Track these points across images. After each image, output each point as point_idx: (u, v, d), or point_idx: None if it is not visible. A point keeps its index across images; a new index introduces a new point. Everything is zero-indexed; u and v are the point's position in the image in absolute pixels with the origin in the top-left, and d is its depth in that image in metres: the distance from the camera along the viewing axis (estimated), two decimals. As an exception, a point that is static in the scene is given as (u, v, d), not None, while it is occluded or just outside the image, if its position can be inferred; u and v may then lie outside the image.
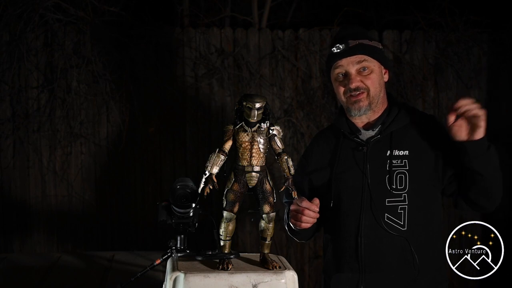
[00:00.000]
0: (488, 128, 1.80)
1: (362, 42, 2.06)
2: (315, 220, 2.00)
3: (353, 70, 2.05)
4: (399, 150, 2.02)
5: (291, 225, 2.07)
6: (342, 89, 2.08)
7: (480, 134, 1.83)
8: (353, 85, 2.04)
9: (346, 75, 2.07)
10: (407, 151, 2.01)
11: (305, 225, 2.01)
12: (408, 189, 1.98)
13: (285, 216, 2.15)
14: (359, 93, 2.04)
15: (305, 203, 1.95)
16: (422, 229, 2.01)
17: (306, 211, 1.96)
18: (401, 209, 1.99)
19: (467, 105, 1.81)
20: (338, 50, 2.06)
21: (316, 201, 1.97)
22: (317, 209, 1.97)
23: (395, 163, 2.00)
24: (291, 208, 2.01)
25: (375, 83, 2.06)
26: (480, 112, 1.81)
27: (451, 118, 1.85)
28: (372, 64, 2.07)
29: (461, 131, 1.85)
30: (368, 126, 2.11)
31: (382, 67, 2.11)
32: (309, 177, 2.16)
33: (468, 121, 1.84)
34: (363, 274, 2.01)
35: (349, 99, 2.07)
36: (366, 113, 2.07)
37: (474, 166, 1.88)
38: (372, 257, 2.00)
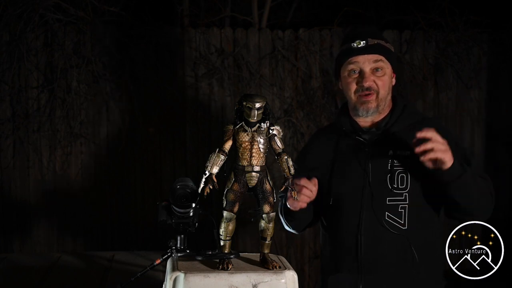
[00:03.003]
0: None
1: (380, 43, 2.07)
2: (310, 199, 1.97)
3: (368, 68, 2.04)
4: (401, 150, 2.02)
5: (288, 205, 2.03)
6: (354, 87, 2.07)
7: (446, 165, 1.83)
8: (367, 84, 2.03)
9: (360, 73, 2.06)
10: (408, 152, 2.01)
11: (302, 204, 1.96)
12: (409, 189, 1.98)
13: (280, 203, 2.13)
14: (369, 93, 2.04)
15: (303, 181, 1.92)
16: (422, 229, 2.01)
17: (304, 189, 1.92)
18: (401, 208, 1.99)
19: (424, 147, 1.80)
20: (359, 46, 2.04)
21: (314, 180, 1.95)
22: (314, 188, 1.94)
23: (396, 163, 2.01)
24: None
25: (386, 86, 2.06)
26: (437, 154, 1.80)
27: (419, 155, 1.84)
28: (386, 66, 2.07)
29: (430, 163, 1.85)
30: (371, 126, 2.11)
31: (392, 70, 2.12)
32: (308, 174, 2.15)
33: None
34: (362, 273, 2.01)
35: (359, 98, 2.06)
36: (374, 114, 2.07)
37: (447, 191, 1.89)
38: (372, 256, 2.00)
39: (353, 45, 2.06)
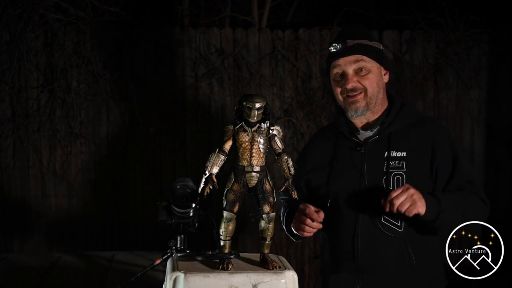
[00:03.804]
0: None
1: (361, 42, 2.05)
2: (315, 230, 2.02)
3: (350, 70, 2.04)
4: (397, 151, 2.01)
5: (292, 228, 2.08)
6: (339, 90, 2.08)
7: (420, 214, 1.86)
8: (349, 86, 2.04)
9: (343, 75, 2.06)
10: (404, 153, 2.01)
11: (307, 234, 2.03)
12: None
13: (282, 212, 2.16)
14: (356, 94, 2.04)
15: (308, 210, 1.96)
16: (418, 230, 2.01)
17: (308, 221, 1.97)
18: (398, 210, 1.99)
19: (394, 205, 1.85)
20: (335, 50, 2.06)
21: (321, 213, 1.97)
22: (320, 219, 1.97)
23: (392, 164, 2.00)
24: (296, 214, 2.02)
25: (373, 84, 2.05)
26: (411, 212, 1.84)
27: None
28: (370, 64, 2.05)
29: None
30: (367, 126, 2.10)
31: (382, 68, 2.10)
32: (307, 176, 2.16)
33: None
34: (360, 275, 2.01)
35: (346, 99, 2.07)
36: (364, 113, 2.06)
37: (430, 227, 1.95)
38: (368, 258, 2.00)
39: (331, 49, 2.08)
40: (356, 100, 2.04)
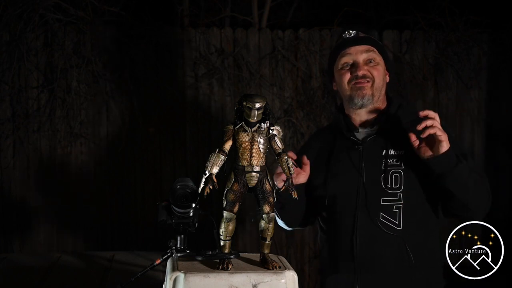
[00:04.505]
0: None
1: (371, 37, 2.12)
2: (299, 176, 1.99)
3: (361, 59, 2.07)
4: (395, 149, 2.02)
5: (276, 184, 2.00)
6: (347, 77, 2.08)
7: (443, 148, 1.83)
8: (361, 73, 2.05)
9: (354, 65, 2.07)
10: (403, 151, 2.01)
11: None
12: (403, 189, 1.98)
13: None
14: (364, 81, 2.05)
15: (291, 153, 1.92)
16: (417, 229, 2.01)
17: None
18: (396, 208, 1.99)
19: (425, 123, 1.82)
20: (350, 36, 2.08)
21: (304, 159, 1.99)
22: (295, 157, 1.96)
23: (390, 163, 2.00)
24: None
25: (380, 75, 2.08)
26: (436, 130, 1.82)
27: (415, 141, 1.88)
28: (379, 57, 2.09)
29: (426, 150, 1.87)
30: (365, 124, 2.11)
31: (385, 66, 2.13)
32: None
33: (430, 139, 1.85)
34: (358, 274, 2.01)
35: (353, 86, 2.07)
36: (368, 104, 2.07)
37: (442, 183, 1.89)
38: (367, 257, 2.00)
39: (345, 34, 2.10)
40: (364, 86, 2.05)
